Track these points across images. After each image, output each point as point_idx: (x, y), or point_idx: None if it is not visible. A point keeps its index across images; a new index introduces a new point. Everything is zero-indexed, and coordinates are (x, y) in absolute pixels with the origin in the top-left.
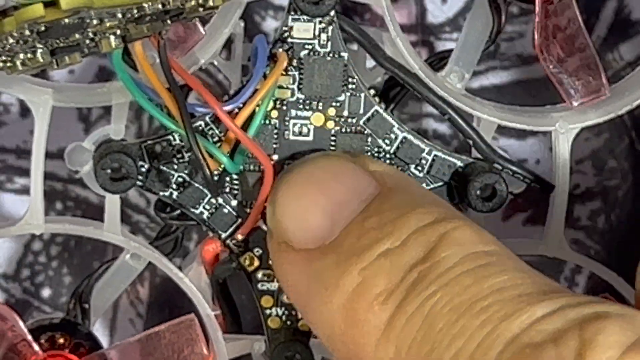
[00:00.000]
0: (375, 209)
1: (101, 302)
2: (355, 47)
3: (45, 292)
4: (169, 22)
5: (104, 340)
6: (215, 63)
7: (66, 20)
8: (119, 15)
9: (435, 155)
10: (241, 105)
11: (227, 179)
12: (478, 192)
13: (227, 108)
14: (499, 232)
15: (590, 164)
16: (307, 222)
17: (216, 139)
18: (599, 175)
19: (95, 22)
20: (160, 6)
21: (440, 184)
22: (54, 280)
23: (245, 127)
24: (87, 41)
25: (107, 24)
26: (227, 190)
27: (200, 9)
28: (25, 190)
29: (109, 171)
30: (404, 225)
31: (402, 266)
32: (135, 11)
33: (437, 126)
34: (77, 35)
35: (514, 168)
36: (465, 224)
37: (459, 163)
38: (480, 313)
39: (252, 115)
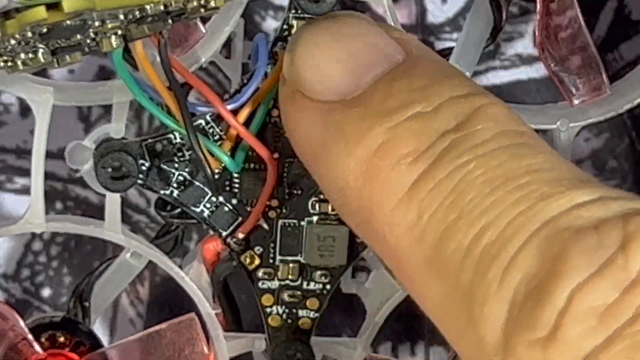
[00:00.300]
0: (403, 72)
1: (101, 301)
2: None
3: (46, 292)
4: (170, 22)
5: (103, 340)
6: (216, 61)
7: (68, 22)
8: (121, 17)
9: None
10: (242, 104)
11: (228, 177)
12: None
13: (229, 107)
14: None
15: (590, 164)
16: (329, 74)
17: (217, 137)
18: (599, 175)
19: (97, 23)
20: (162, 7)
21: None
22: (54, 280)
23: (246, 125)
24: (88, 41)
25: (109, 25)
26: (228, 188)
27: (202, 10)
28: (25, 190)
29: (109, 170)
30: (436, 92)
31: (434, 131)
32: (137, 12)
33: None
34: (78, 36)
35: None
36: (500, 102)
37: None
38: (517, 190)
39: (253, 114)
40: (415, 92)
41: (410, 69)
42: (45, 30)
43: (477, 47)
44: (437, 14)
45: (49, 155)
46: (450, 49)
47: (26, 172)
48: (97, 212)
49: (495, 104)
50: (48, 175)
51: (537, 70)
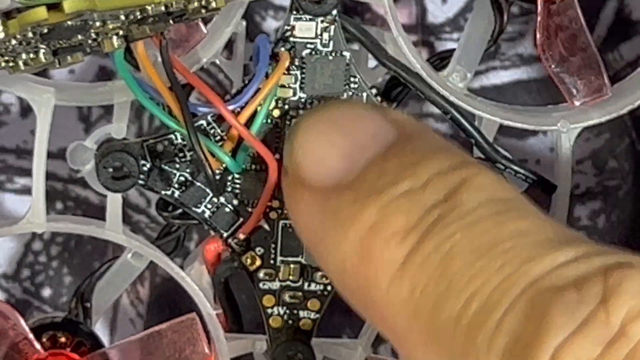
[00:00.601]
0: (395, 152)
1: (102, 301)
2: (357, 46)
3: (46, 292)
4: (171, 22)
5: (104, 340)
6: (217, 62)
7: (69, 22)
8: (122, 17)
9: None
10: (244, 105)
11: (229, 178)
12: None
13: (230, 107)
14: None
15: (590, 164)
16: (326, 161)
17: (218, 138)
18: (600, 175)
19: (98, 24)
20: (163, 8)
21: None
22: (54, 280)
23: (247, 126)
24: (90, 41)
25: (110, 26)
26: (229, 189)
27: (203, 11)
28: (25, 190)
29: (110, 170)
30: (425, 167)
31: (422, 206)
32: (138, 13)
33: (438, 126)
34: (79, 36)
35: (516, 168)
36: (487, 170)
37: None
38: (501, 255)
39: (254, 114)
40: (405, 170)
41: (401, 149)
42: (46, 30)
43: (479, 49)
44: (437, 14)
45: (49, 155)
46: (452, 50)
47: (26, 172)
48: (97, 212)
49: (482, 173)
50: (49, 176)
51: (538, 71)
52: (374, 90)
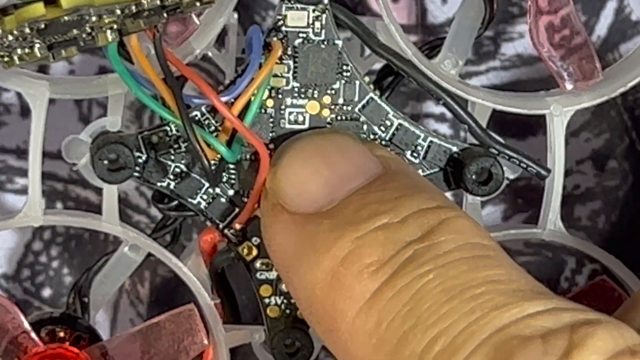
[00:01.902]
0: (378, 186)
1: (100, 296)
2: (349, 34)
3: (46, 292)
4: (165, 15)
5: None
6: (210, 55)
7: (66, 17)
8: (118, 12)
9: (430, 141)
10: (237, 96)
11: (225, 168)
12: (474, 175)
13: (224, 98)
14: (499, 231)
15: (590, 164)
16: (307, 187)
17: (213, 129)
18: (599, 175)
19: (94, 18)
20: (157, 1)
21: (436, 169)
22: (55, 281)
23: (241, 116)
24: (84, 35)
25: (106, 20)
26: (225, 180)
27: (198, 3)
28: (25, 191)
29: (106, 162)
30: (405, 204)
31: (398, 241)
32: (133, 7)
33: (438, 126)
34: (74, 31)
35: (509, 152)
36: (466, 215)
37: (455, 148)
38: (472, 299)
39: (247, 104)
40: (386, 204)
41: (384, 183)
42: (43, 26)
43: (470, 36)
44: (437, 14)
45: (49, 155)
46: (443, 38)
47: (26, 173)
48: (97, 212)
49: (461, 217)
50: (48, 176)
51: (538, 71)
52: (366, 78)
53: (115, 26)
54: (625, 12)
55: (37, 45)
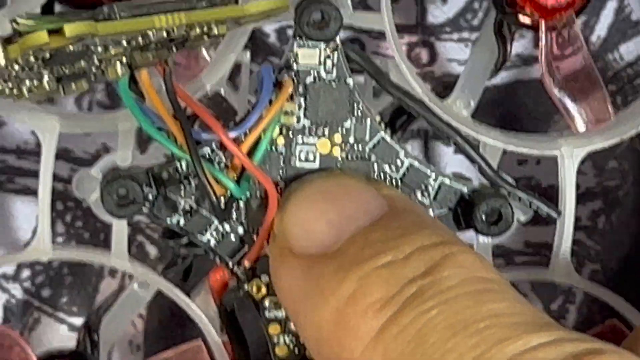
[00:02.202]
0: (382, 224)
1: (110, 334)
2: (362, 79)
3: (46, 292)
4: (174, 49)
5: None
6: (222, 93)
7: (71, 47)
8: (124, 43)
9: (441, 182)
10: (247, 132)
11: (234, 205)
12: (484, 216)
13: (232, 134)
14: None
15: (590, 164)
16: (313, 229)
17: (222, 165)
18: (599, 175)
19: (100, 49)
20: (164, 34)
21: (446, 210)
22: (55, 281)
23: (251, 153)
24: (93, 68)
25: (112, 51)
26: (234, 217)
27: (205, 37)
28: (25, 191)
29: (115, 197)
30: (408, 241)
31: (402, 278)
32: (140, 39)
33: None
34: (82, 63)
35: (520, 194)
36: (470, 250)
37: (465, 189)
38: (475, 334)
39: (257, 141)
40: (389, 242)
41: (389, 222)
42: (48, 55)
43: (482, 77)
44: (437, 14)
45: None
46: (456, 77)
47: (26, 173)
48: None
49: (464, 251)
50: None
51: (538, 71)
52: (378, 118)
53: (124, 59)
54: (625, 12)
55: (46, 78)
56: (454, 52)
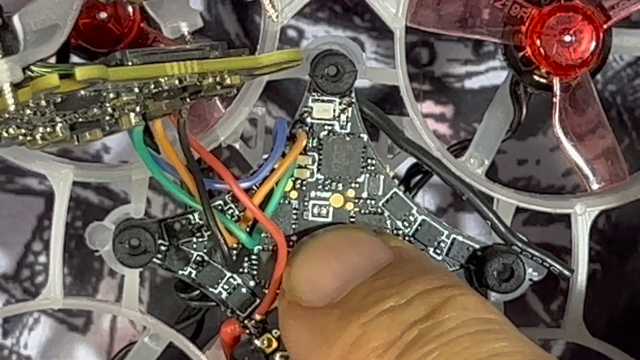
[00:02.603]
0: (386, 273)
1: None
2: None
3: None
4: (188, 100)
5: None
6: (237, 147)
7: (82, 92)
8: (136, 90)
9: (454, 238)
10: (259, 183)
11: (246, 258)
12: (495, 272)
13: (244, 185)
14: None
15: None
16: (319, 282)
17: (235, 218)
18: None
19: (112, 95)
20: (177, 82)
21: (458, 267)
22: None
23: (263, 205)
24: (107, 117)
25: (124, 98)
26: (246, 270)
27: (218, 87)
28: (24, 191)
29: (127, 246)
30: (410, 286)
31: (403, 323)
32: (152, 86)
33: (438, 126)
34: (95, 110)
35: (532, 251)
36: (471, 292)
37: (477, 246)
38: None
39: (270, 193)
40: (392, 289)
41: (393, 270)
42: (59, 99)
43: (497, 137)
44: None
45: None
46: (469, 139)
47: (26, 173)
48: (97, 212)
49: (466, 294)
50: None
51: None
52: (391, 173)
53: (137, 109)
54: None
55: (59, 125)
56: (454, 52)
